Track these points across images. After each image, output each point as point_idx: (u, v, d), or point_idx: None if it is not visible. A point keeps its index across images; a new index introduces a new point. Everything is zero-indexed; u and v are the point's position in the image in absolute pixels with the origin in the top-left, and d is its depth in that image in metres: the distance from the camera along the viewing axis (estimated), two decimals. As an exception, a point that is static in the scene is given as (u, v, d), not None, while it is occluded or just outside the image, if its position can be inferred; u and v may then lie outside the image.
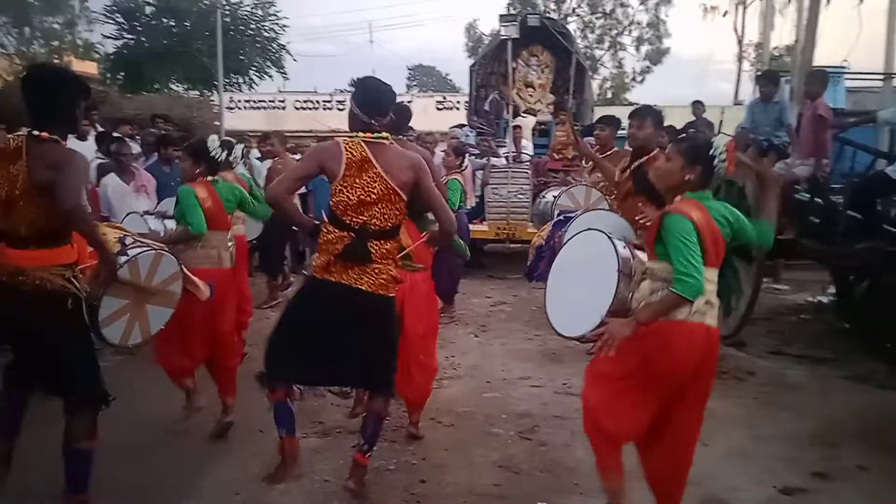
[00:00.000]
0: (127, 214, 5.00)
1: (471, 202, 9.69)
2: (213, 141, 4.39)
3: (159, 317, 3.57)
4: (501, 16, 12.33)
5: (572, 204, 6.41)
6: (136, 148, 8.01)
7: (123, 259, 3.26)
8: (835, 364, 5.75)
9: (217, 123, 16.20)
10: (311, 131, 19.63)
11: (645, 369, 2.78)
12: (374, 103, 3.21)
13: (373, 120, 3.17)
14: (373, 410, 3.44)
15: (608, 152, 5.86)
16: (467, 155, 9.13)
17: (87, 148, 7.73)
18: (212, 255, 4.23)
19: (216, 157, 4.32)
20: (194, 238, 4.16)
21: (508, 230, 9.73)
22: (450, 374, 5.44)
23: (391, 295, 3.33)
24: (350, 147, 3.12)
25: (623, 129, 5.65)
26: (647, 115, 4.56)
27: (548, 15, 19.35)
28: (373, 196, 3.11)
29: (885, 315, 5.83)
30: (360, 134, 3.17)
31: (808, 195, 6.28)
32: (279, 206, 3.20)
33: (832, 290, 7.09)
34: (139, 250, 3.40)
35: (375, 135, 3.17)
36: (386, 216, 3.17)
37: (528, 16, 12.53)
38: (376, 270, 3.20)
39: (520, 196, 9.76)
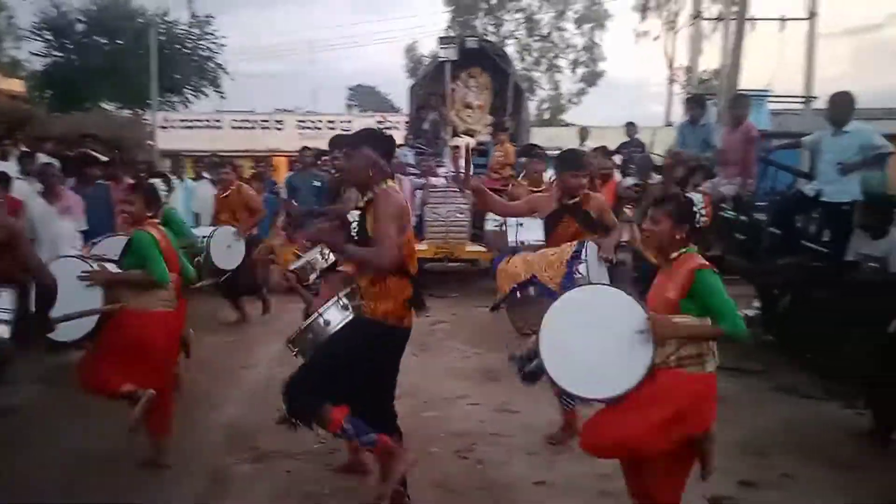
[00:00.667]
0: (59, 257, 4.61)
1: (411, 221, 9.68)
2: (158, 183, 4.33)
3: None
4: (440, 38, 12.46)
5: (533, 237, 6.36)
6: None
7: None
8: (763, 376, 5.94)
9: (150, 143, 15.81)
10: (247, 151, 19.33)
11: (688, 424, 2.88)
12: (390, 153, 3.42)
13: (388, 167, 3.34)
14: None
15: (540, 188, 5.97)
16: (402, 175, 9.17)
17: (9, 168, 7.48)
18: (168, 297, 4.06)
19: (162, 198, 4.29)
20: (157, 286, 3.98)
21: (447, 249, 9.77)
22: (388, 394, 5.40)
23: None
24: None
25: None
26: (582, 165, 4.55)
27: (486, 38, 19.60)
28: (412, 240, 3.38)
29: (806, 328, 6.08)
30: (390, 182, 3.30)
31: (733, 213, 6.51)
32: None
33: (757, 304, 7.34)
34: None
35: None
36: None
37: (467, 38, 12.69)
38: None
39: (458, 215, 9.83)
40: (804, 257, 5.84)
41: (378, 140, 3.39)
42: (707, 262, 2.93)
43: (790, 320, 6.64)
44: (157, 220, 4.18)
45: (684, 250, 2.98)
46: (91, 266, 3.98)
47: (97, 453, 4.16)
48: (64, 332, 3.81)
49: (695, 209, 3.07)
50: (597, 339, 2.88)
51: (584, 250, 4.15)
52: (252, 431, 4.62)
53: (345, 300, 3.60)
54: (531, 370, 3.26)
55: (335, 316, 3.58)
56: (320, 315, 3.59)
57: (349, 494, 3.76)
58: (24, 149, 8.28)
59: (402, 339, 3.37)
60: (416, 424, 4.79)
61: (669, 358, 2.85)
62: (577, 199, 4.43)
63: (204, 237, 7.08)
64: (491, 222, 8.07)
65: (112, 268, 4.13)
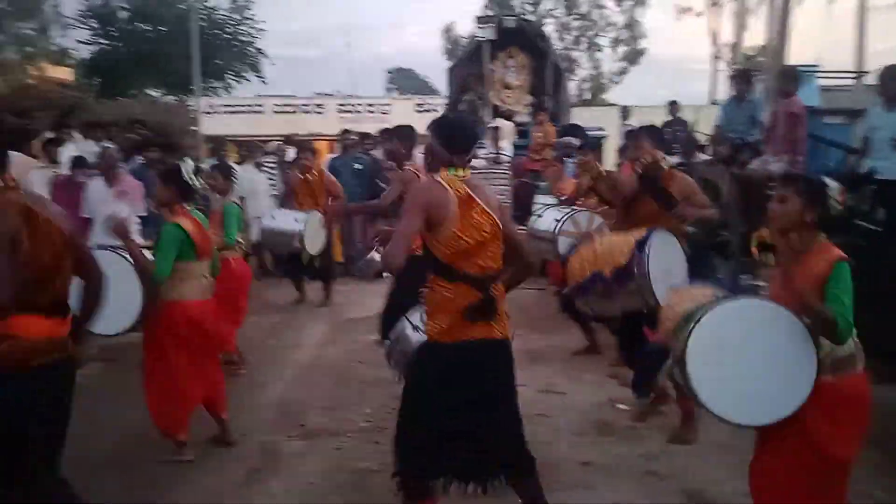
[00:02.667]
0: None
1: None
2: (187, 167, 4.30)
3: None
4: (478, 18, 12.41)
5: (575, 229, 6.31)
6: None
7: None
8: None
9: (194, 128, 16.06)
10: (291, 134, 19.54)
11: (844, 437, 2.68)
12: (455, 139, 2.91)
13: (454, 157, 2.86)
14: (535, 493, 2.97)
15: (597, 178, 5.88)
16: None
17: (65, 153, 7.73)
18: (201, 286, 4.08)
19: (191, 184, 4.12)
20: (153, 281, 3.89)
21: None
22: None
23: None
24: (452, 184, 2.78)
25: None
26: (656, 131, 4.54)
27: (524, 17, 19.41)
28: (486, 235, 2.79)
29: (859, 309, 5.92)
30: (452, 170, 2.84)
31: (782, 192, 6.37)
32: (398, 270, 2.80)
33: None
34: None
35: (461, 171, 2.86)
36: (497, 255, 2.87)
37: (505, 18, 12.60)
38: (502, 314, 2.90)
39: (499, 196, 9.79)
40: (857, 236, 5.69)
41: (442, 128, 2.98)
42: (845, 255, 2.64)
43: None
44: (188, 209, 4.08)
45: (810, 241, 2.68)
46: (124, 258, 3.92)
47: (151, 431, 4.28)
48: (105, 325, 3.75)
49: (829, 193, 2.73)
50: (750, 355, 2.57)
51: (649, 239, 4.02)
52: (300, 410, 4.72)
53: (415, 320, 3.23)
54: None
55: (413, 335, 3.29)
56: (400, 325, 3.41)
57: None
58: (77, 135, 8.50)
59: (473, 354, 2.80)
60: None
61: (825, 360, 2.59)
62: (656, 178, 4.26)
63: (297, 220, 7.21)
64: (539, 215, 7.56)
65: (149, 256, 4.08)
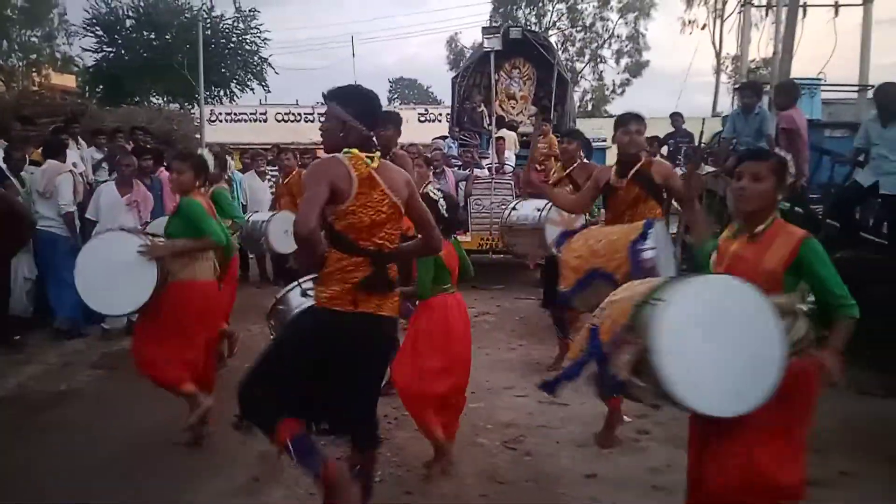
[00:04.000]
0: (111, 230, 4.77)
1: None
2: (206, 153, 4.45)
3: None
4: (484, 28, 12.40)
5: (558, 217, 6.32)
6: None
7: None
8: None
9: (198, 136, 16.11)
10: (292, 143, 19.59)
11: (808, 407, 2.66)
12: (373, 114, 2.97)
13: (372, 132, 2.93)
14: (366, 469, 3.09)
15: (573, 166, 5.89)
16: (446, 167, 9.24)
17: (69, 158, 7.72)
18: (209, 267, 4.22)
19: (210, 169, 4.40)
20: (215, 248, 4.18)
21: (492, 241, 9.74)
22: (434, 384, 5.42)
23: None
24: (356, 164, 2.82)
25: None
26: (642, 120, 4.47)
27: (529, 28, 19.48)
28: (382, 216, 2.85)
29: (864, 323, 5.88)
30: (356, 149, 2.85)
31: (787, 204, 6.34)
32: (313, 242, 2.71)
33: (812, 298, 7.15)
34: None
35: (373, 153, 2.90)
36: (394, 237, 2.95)
37: (511, 28, 12.60)
38: (393, 294, 2.96)
39: (503, 207, 9.77)
40: (863, 250, 5.66)
41: (351, 96, 2.97)
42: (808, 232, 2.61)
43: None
44: (203, 191, 4.33)
45: (770, 220, 2.63)
46: (146, 240, 4.09)
47: (152, 437, 4.26)
48: (117, 306, 3.97)
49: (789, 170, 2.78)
50: (726, 345, 2.37)
51: (649, 231, 3.97)
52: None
53: (307, 285, 3.28)
54: (617, 382, 2.55)
55: (296, 300, 3.36)
56: (286, 294, 3.45)
57: (401, 481, 3.78)
58: (81, 141, 8.51)
59: (358, 327, 2.84)
60: (463, 415, 4.78)
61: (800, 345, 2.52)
62: (638, 163, 4.30)
63: (263, 221, 7.38)
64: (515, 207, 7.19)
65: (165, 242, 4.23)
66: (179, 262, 4.06)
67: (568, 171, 5.89)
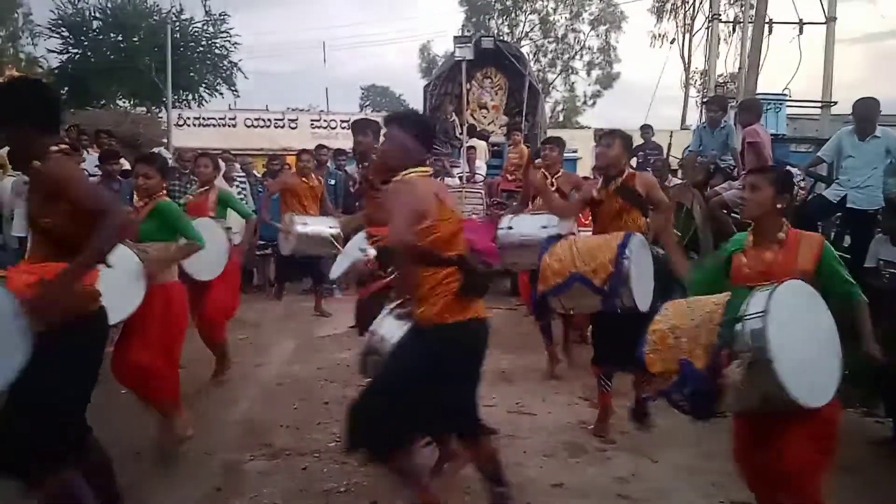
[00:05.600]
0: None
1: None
2: (163, 151, 4.44)
3: None
4: (456, 37, 12.46)
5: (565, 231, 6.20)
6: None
7: None
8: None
9: (165, 140, 15.90)
10: (261, 149, 19.40)
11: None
12: (430, 137, 3.19)
13: (425, 154, 3.14)
14: (488, 454, 3.27)
15: (556, 174, 5.91)
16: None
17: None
18: (176, 269, 4.30)
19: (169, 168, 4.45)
20: (196, 251, 4.27)
21: (461, 250, 9.75)
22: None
23: None
24: (425, 182, 3.02)
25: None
26: (618, 136, 4.64)
27: (501, 38, 19.59)
28: (454, 226, 3.02)
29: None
30: (420, 169, 3.04)
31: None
32: (411, 250, 2.86)
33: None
34: None
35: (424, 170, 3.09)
36: (465, 242, 3.09)
37: (483, 38, 12.69)
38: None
39: (473, 216, 9.81)
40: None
41: (409, 121, 3.15)
42: None
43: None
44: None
45: (785, 228, 2.98)
46: (136, 252, 3.96)
47: (113, 447, 4.16)
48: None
49: (795, 181, 3.05)
50: (810, 340, 2.69)
51: (628, 243, 4.14)
52: (266, 429, 4.61)
53: (399, 310, 3.28)
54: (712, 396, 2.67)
55: (391, 329, 3.27)
56: (373, 333, 3.35)
57: (366, 491, 3.74)
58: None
59: (474, 333, 3.01)
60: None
61: None
62: (621, 176, 4.49)
63: (332, 227, 7.19)
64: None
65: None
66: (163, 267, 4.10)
67: (551, 178, 5.88)
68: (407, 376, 2.93)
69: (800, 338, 2.63)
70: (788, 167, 3.07)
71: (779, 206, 2.94)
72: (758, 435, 2.84)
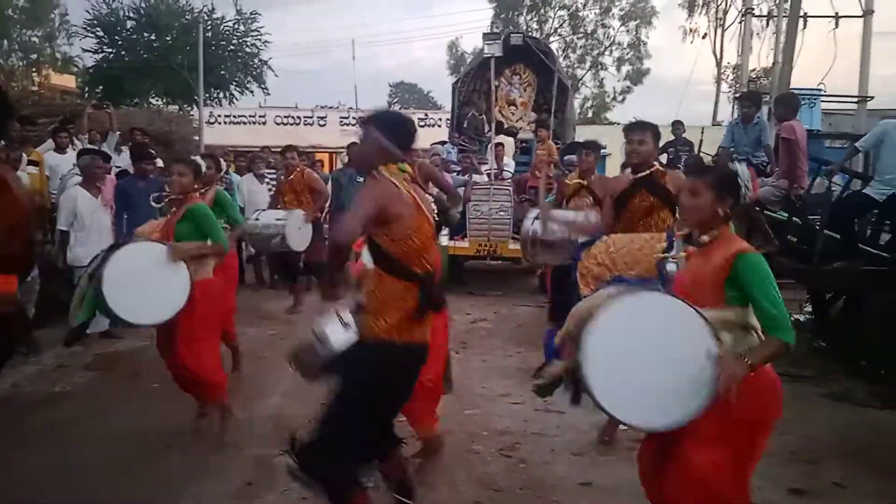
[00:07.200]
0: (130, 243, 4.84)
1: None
2: (198, 160, 4.66)
3: None
4: (485, 34, 12.43)
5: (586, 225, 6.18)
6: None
7: None
8: (814, 382, 5.78)
9: (196, 138, 16.07)
10: (291, 146, 19.61)
11: (756, 424, 2.59)
12: (408, 136, 2.92)
13: (405, 154, 2.90)
14: (400, 469, 3.28)
15: (591, 177, 5.88)
16: (446, 171, 9.22)
17: (66, 160, 7.72)
18: (208, 266, 4.38)
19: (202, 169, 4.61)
20: (223, 253, 4.42)
21: (489, 247, 9.74)
22: (430, 390, 5.41)
23: None
24: (406, 187, 2.79)
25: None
26: (649, 129, 4.43)
27: (530, 34, 19.51)
28: (427, 238, 2.82)
29: (860, 333, 5.89)
30: (399, 167, 2.84)
31: (784, 214, 6.34)
32: (344, 249, 2.81)
33: (809, 309, 7.15)
34: None
35: (403, 169, 2.87)
36: (435, 257, 2.89)
37: (511, 34, 12.62)
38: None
39: (501, 213, 9.79)
40: (862, 261, 5.65)
41: (389, 122, 2.94)
42: (750, 246, 2.56)
43: (843, 325, 6.46)
44: (202, 193, 4.57)
45: (715, 232, 2.61)
46: (164, 245, 4.16)
47: (145, 439, 4.25)
48: (150, 314, 4.06)
49: (739, 181, 2.79)
50: (653, 357, 2.44)
51: (673, 246, 3.90)
52: (297, 423, 4.65)
53: (346, 316, 3.05)
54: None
55: (335, 334, 3.06)
56: (314, 333, 3.16)
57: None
58: (77, 142, 8.50)
59: (418, 358, 2.89)
60: (459, 422, 4.78)
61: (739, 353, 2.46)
62: (650, 172, 4.35)
63: (279, 219, 7.49)
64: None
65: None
66: (196, 263, 4.22)
67: (586, 182, 5.87)
68: (355, 404, 2.82)
69: (642, 353, 2.44)
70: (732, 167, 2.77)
71: (720, 211, 2.61)
72: (662, 448, 2.67)
